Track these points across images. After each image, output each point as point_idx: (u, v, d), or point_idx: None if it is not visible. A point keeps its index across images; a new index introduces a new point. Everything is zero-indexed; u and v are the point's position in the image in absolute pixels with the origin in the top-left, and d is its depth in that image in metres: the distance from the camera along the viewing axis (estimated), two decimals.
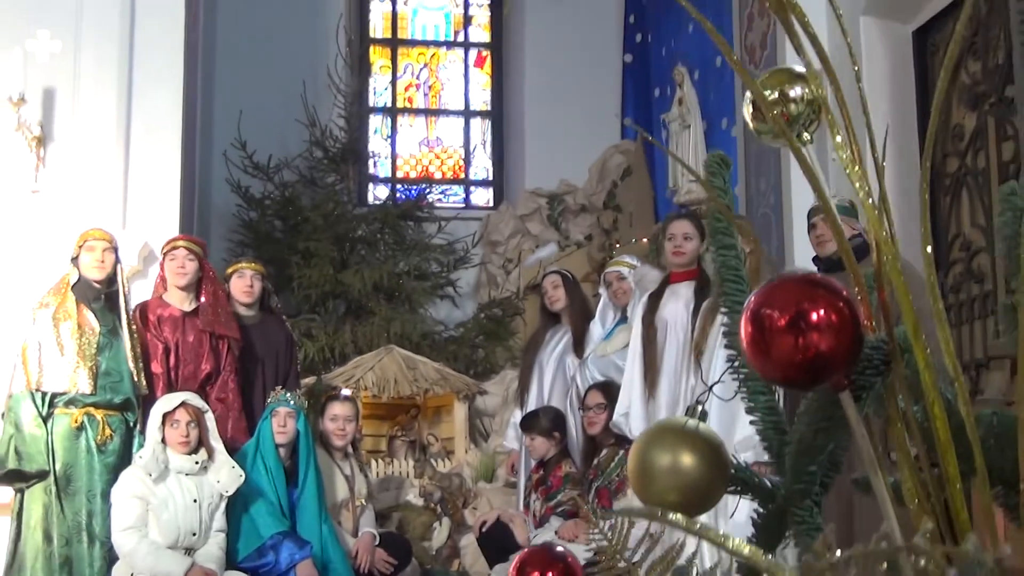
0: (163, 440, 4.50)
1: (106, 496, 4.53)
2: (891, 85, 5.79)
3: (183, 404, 4.55)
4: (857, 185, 1.12)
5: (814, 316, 0.96)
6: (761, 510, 1.24)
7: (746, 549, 0.85)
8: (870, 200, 1.12)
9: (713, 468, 1.12)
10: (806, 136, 1.30)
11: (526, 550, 1.52)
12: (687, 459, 1.10)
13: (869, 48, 6.11)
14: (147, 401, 4.75)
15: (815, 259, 4.40)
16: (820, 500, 1.21)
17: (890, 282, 1.09)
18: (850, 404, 1.02)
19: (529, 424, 5.55)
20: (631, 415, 4.87)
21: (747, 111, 1.35)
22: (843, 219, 4.37)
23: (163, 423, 4.50)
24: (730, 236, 1.28)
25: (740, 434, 4.39)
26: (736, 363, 1.30)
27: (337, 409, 5.44)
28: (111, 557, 4.51)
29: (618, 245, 8.06)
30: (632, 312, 5.23)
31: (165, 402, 4.58)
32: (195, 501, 4.50)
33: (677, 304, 4.86)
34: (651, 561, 1.56)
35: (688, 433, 1.14)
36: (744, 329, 1.02)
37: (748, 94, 1.34)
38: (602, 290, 5.96)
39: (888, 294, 1.11)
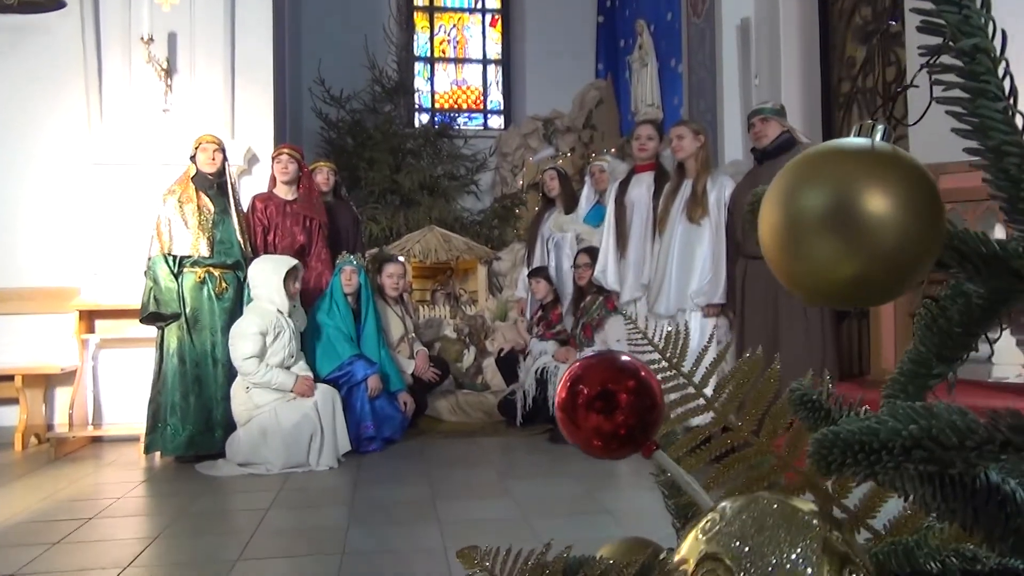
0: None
1: (224, 331, 4.16)
2: (800, 30, 5.19)
3: (295, 267, 4.20)
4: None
5: None
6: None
7: None
8: None
9: (922, 214, 0.35)
10: None
11: (578, 362, 0.71)
12: (875, 199, 0.35)
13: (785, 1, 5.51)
14: (251, 263, 4.30)
15: (753, 150, 3.86)
16: None
17: None
18: None
19: (536, 271, 5.21)
20: (607, 272, 4.50)
21: None
22: (773, 118, 3.84)
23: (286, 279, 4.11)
24: None
25: (696, 284, 3.95)
26: None
27: (391, 269, 5.02)
28: (230, 375, 4.15)
29: (594, 154, 7.56)
30: (608, 195, 4.75)
31: (284, 264, 4.15)
32: (292, 332, 4.13)
33: (641, 188, 4.39)
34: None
35: (878, 155, 0.37)
36: None
37: None
38: (587, 179, 5.47)
39: None
